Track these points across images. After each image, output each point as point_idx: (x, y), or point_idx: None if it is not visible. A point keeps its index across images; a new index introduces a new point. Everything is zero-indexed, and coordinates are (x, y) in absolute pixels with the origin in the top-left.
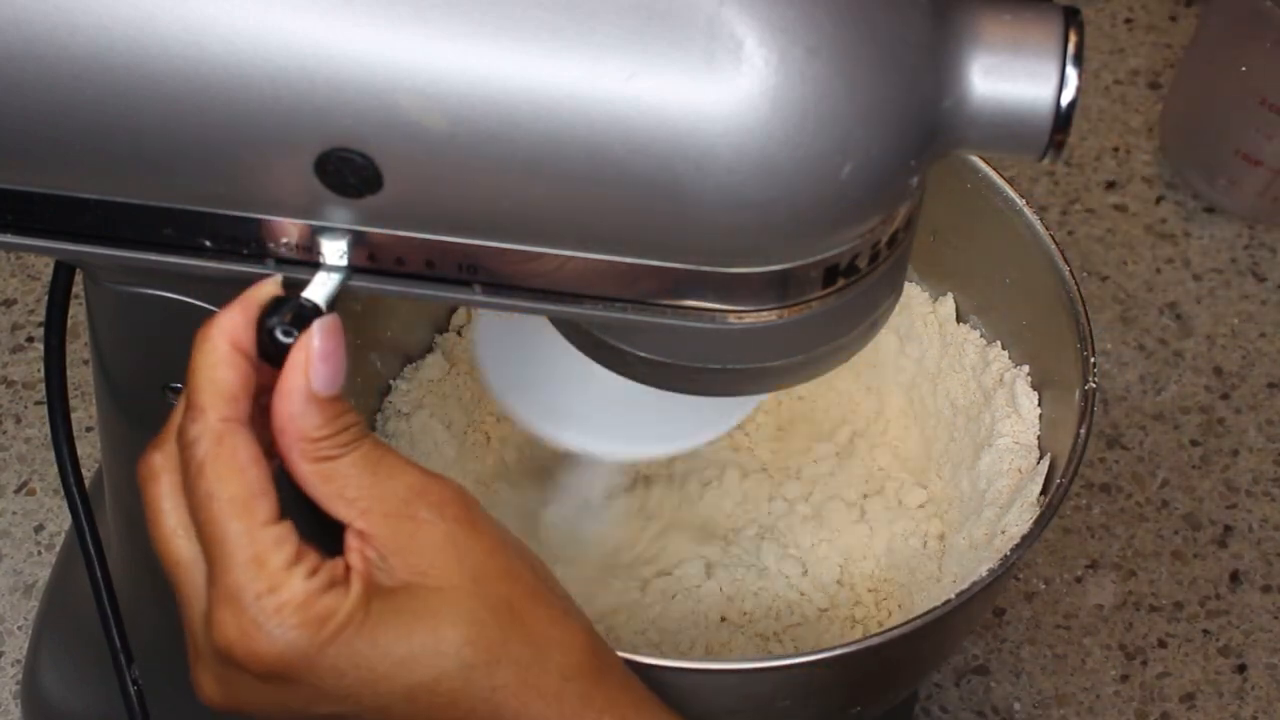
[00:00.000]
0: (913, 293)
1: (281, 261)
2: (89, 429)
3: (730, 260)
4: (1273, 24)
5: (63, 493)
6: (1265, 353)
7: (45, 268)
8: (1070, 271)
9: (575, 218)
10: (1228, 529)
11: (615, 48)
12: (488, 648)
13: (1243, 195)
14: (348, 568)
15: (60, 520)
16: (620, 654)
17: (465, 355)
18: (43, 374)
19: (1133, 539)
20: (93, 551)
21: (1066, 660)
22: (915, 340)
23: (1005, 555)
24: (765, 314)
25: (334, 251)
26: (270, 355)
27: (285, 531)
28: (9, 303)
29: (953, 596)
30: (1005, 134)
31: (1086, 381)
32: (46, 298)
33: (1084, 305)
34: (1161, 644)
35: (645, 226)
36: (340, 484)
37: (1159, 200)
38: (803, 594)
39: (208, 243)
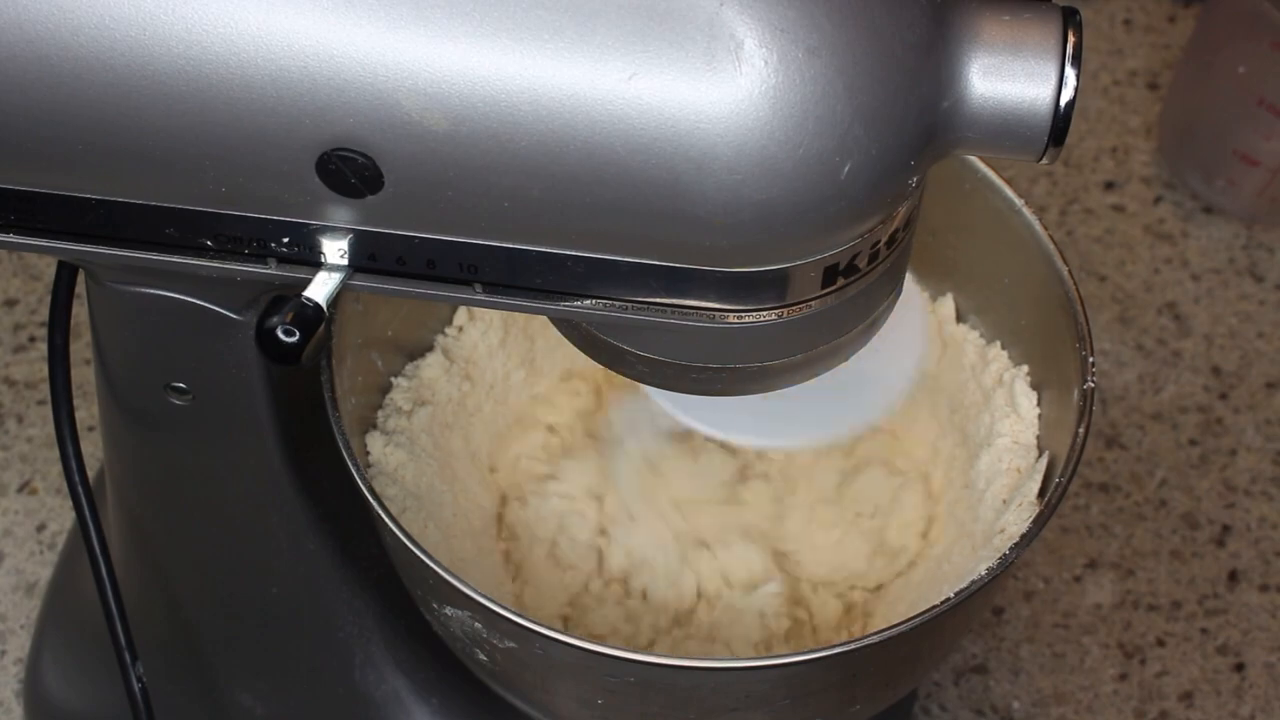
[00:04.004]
0: (912, 293)
1: (283, 261)
2: (90, 428)
3: (730, 260)
4: (1271, 25)
5: (65, 492)
6: (1263, 352)
7: (47, 268)
8: (1069, 271)
9: (576, 217)
10: (1226, 528)
11: (616, 48)
12: None
13: (1241, 195)
14: None
15: (62, 519)
16: (620, 652)
17: (465, 354)
18: (45, 374)
19: (1131, 538)
20: (98, 548)
21: (1065, 659)
22: None
23: (1004, 554)
24: (765, 313)
25: (335, 251)
26: (273, 355)
27: None
28: (11, 303)
29: (951, 595)
30: (1004, 134)
31: (1085, 381)
32: (49, 298)
33: (1083, 305)
34: (1160, 643)
35: (645, 226)
36: None
37: (1157, 200)
38: (800, 591)
39: (209, 242)
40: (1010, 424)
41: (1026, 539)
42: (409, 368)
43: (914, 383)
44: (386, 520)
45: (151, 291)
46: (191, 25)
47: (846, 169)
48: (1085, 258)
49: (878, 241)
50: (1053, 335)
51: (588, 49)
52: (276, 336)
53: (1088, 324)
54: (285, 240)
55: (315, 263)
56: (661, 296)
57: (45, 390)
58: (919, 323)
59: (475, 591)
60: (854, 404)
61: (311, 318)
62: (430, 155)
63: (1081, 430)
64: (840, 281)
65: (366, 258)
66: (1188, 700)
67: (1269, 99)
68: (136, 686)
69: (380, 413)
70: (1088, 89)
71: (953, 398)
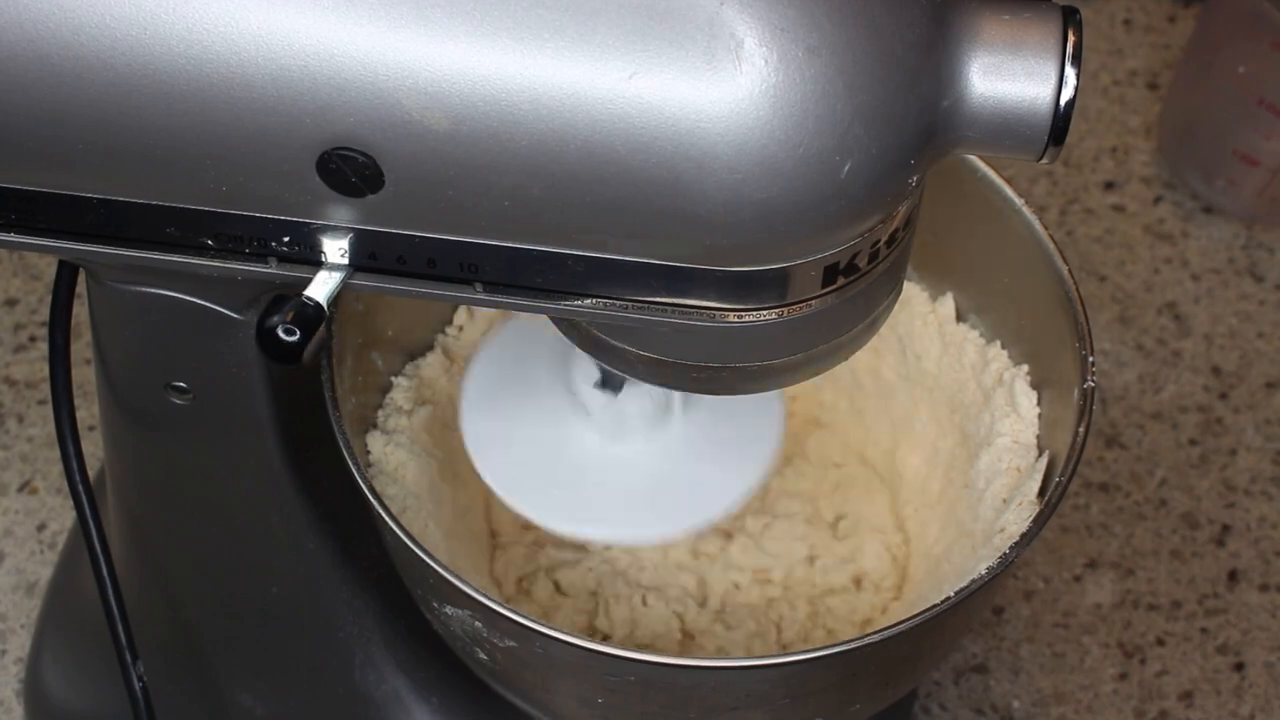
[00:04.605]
0: (912, 292)
1: (283, 260)
2: (90, 428)
3: (730, 259)
4: (1271, 25)
5: (65, 492)
6: (1263, 352)
7: (48, 267)
8: (1069, 271)
9: (576, 216)
10: (1226, 528)
11: (616, 47)
12: None
13: (1241, 195)
14: None
15: (63, 519)
16: (620, 651)
17: (466, 353)
18: (45, 374)
19: (1131, 538)
20: (98, 548)
21: (1065, 659)
22: (915, 340)
23: (1004, 554)
24: (765, 313)
25: (335, 250)
26: (274, 354)
27: None
28: (11, 302)
29: (951, 595)
30: (1004, 133)
31: (1085, 381)
32: (49, 297)
33: (1083, 305)
34: (1160, 642)
35: (646, 225)
36: None
37: (1157, 200)
38: (800, 591)
39: (210, 241)
40: (1010, 424)
41: (1026, 538)
42: (409, 367)
43: (759, 486)
44: (387, 520)
45: (152, 291)
46: (192, 25)
47: (846, 168)
48: (1085, 258)
49: (878, 241)
50: (1053, 335)
51: (588, 48)
52: (277, 336)
53: (1088, 324)
54: (286, 239)
55: (316, 262)
56: (662, 296)
57: (46, 390)
58: (776, 424)
59: (475, 590)
60: (690, 502)
61: (312, 317)
62: (431, 154)
63: (1081, 430)
64: (840, 281)
65: (367, 257)
66: (1188, 700)
67: (1269, 99)
68: (137, 686)
69: (380, 412)
70: (1088, 89)
71: (953, 398)
